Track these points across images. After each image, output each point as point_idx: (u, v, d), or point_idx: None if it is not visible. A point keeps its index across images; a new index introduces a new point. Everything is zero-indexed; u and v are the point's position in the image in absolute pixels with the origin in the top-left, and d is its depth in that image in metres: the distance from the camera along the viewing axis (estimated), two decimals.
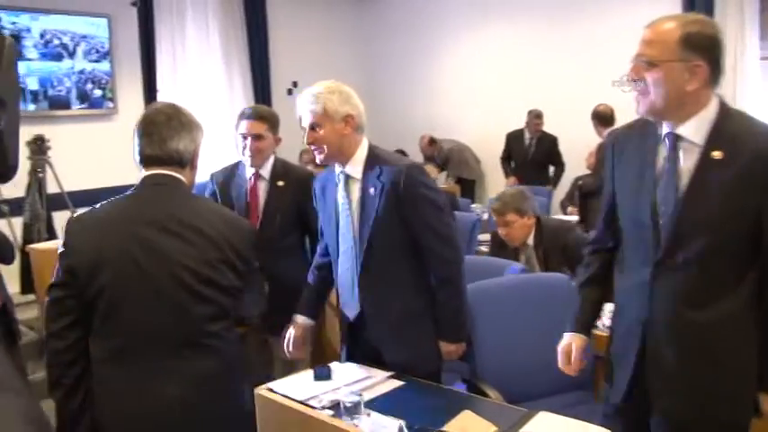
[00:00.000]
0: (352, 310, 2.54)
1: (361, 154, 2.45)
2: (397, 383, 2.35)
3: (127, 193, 2.00)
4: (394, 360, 2.45)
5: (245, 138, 3.04)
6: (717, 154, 1.76)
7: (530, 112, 7.17)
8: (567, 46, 7.38)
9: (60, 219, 5.46)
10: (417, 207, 2.37)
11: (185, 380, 1.85)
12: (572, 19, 7.33)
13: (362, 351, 2.55)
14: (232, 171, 3.20)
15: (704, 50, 1.76)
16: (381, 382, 2.36)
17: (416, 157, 7.59)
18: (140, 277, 1.84)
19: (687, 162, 1.82)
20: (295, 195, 3.07)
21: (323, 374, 2.40)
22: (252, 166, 3.09)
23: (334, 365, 2.49)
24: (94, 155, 6.49)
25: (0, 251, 3.18)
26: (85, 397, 1.89)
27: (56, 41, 6.32)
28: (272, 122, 3.08)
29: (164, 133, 1.94)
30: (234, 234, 1.95)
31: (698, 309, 1.82)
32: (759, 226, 1.76)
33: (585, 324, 2.17)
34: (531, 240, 3.52)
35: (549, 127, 7.17)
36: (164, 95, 7.22)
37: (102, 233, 1.88)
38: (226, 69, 7.91)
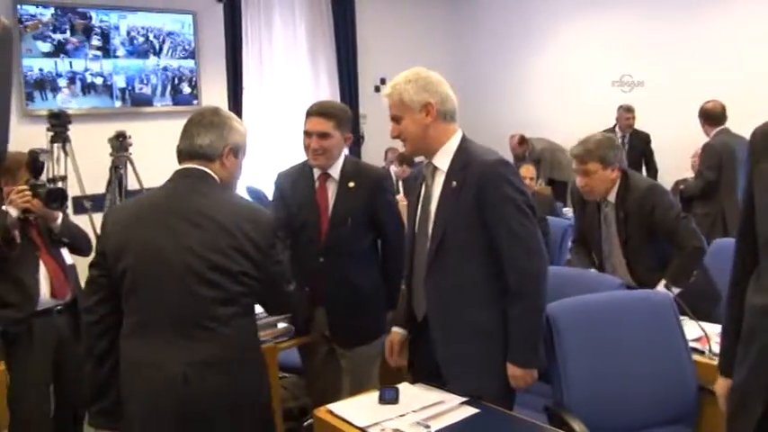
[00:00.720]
0: (420, 311, 2.35)
1: (451, 145, 2.26)
2: (470, 411, 2.09)
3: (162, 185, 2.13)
4: (451, 374, 2.23)
5: (309, 135, 2.83)
6: None
7: (620, 107, 6.75)
8: (663, 42, 6.96)
9: None
10: (497, 207, 2.14)
11: (190, 359, 1.92)
12: (668, 14, 6.91)
13: (425, 357, 2.33)
14: (299, 170, 3.00)
15: None
16: (453, 409, 2.10)
17: (506, 156, 7.29)
18: (158, 261, 1.96)
19: None
20: (368, 197, 2.87)
21: (389, 397, 2.18)
22: (314, 165, 2.88)
23: (402, 387, 2.26)
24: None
25: (77, 243, 3.32)
26: (113, 369, 2.04)
27: (141, 39, 6.36)
28: (341, 120, 2.85)
29: (193, 130, 2.06)
30: (250, 224, 2.01)
31: None
32: None
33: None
34: (612, 197, 3.12)
35: (643, 126, 6.75)
36: (249, 93, 7.20)
37: (130, 220, 2.05)
38: (312, 66, 7.82)
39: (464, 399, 2.13)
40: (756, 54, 6.27)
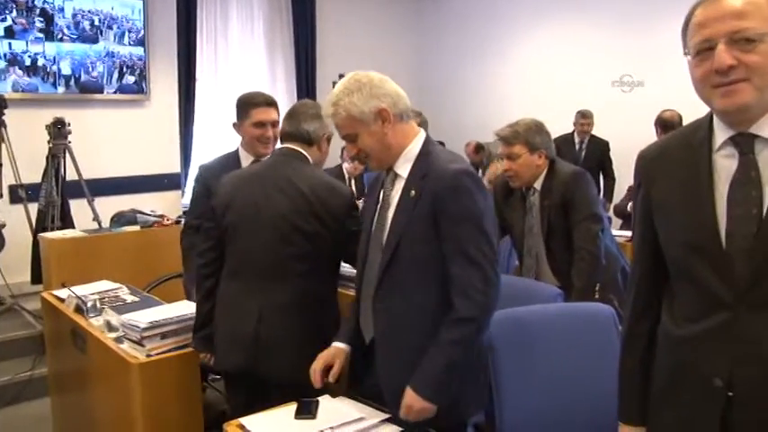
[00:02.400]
0: (369, 332, 2.12)
1: (413, 149, 2.03)
2: (391, 429, 1.94)
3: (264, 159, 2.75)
4: (395, 404, 1.98)
5: (263, 125, 2.96)
6: None
7: (577, 113, 6.65)
8: (626, 49, 6.96)
9: (77, 207, 5.23)
10: (453, 220, 1.91)
11: (266, 302, 2.36)
12: (633, 22, 6.90)
13: (371, 382, 2.11)
14: (225, 162, 3.02)
15: None
16: (374, 426, 1.95)
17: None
18: (253, 219, 2.41)
19: None
20: None
21: (305, 411, 2.02)
22: (264, 155, 2.96)
23: (323, 399, 2.10)
24: (122, 142, 6.27)
25: None
26: (213, 307, 2.51)
27: (87, 23, 6.09)
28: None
29: (301, 117, 2.51)
30: (330, 196, 2.41)
31: None
32: None
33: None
34: (539, 185, 3.03)
35: (606, 134, 6.68)
36: (203, 85, 6.99)
37: (235, 185, 2.52)
38: (269, 60, 7.65)
39: (386, 416, 1.99)
40: None
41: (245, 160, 3.01)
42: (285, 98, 7.75)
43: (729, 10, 1.34)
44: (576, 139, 6.71)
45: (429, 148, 2.04)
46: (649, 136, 5.81)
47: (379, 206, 2.10)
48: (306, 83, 7.78)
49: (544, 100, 7.44)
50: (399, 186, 2.03)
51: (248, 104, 2.96)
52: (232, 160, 3.03)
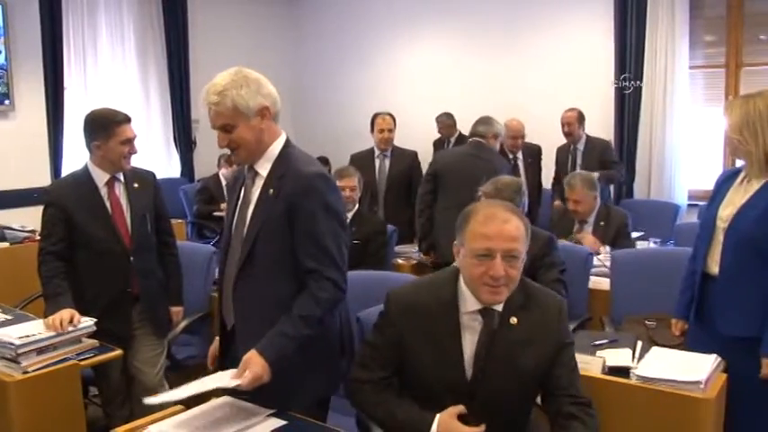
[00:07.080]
0: (230, 319, 2.26)
1: (274, 149, 2.18)
2: (276, 423, 2.00)
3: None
4: (258, 389, 2.07)
5: (129, 142, 3.01)
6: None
7: (442, 114, 7.02)
8: (505, 53, 7.25)
9: None
10: (307, 218, 2.09)
11: None
12: (508, 26, 7.21)
13: (234, 365, 2.15)
14: (76, 180, 3.09)
15: None
16: (260, 422, 2.01)
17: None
18: (458, 177, 4.38)
19: None
20: (153, 195, 3.19)
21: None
22: (128, 168, 3.08)
23: (211, 402, 2.14)
24: None
25: None
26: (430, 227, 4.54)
27: None
28: None
29: (476, 123, 4.75)
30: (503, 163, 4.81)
31: None
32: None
33: None
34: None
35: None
36: (71, 95, 6.73)
37: (445, 159, 4.79)
38: (141, 68, 7.43)
39: (270, 411, 2.06)
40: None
41: (100, 179, 3.03)
42: (158, 105, 7.58)
43: None
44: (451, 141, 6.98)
45: (288, 150, 2.20)
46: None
47: (240, 202, 2.23)
48: (180, 90, 7.63)
49: (430, 106, 7.43)
50: (259, 184, 2.17)
51: (112, 123, 2.97)
52: (84, 180, 3.04)
